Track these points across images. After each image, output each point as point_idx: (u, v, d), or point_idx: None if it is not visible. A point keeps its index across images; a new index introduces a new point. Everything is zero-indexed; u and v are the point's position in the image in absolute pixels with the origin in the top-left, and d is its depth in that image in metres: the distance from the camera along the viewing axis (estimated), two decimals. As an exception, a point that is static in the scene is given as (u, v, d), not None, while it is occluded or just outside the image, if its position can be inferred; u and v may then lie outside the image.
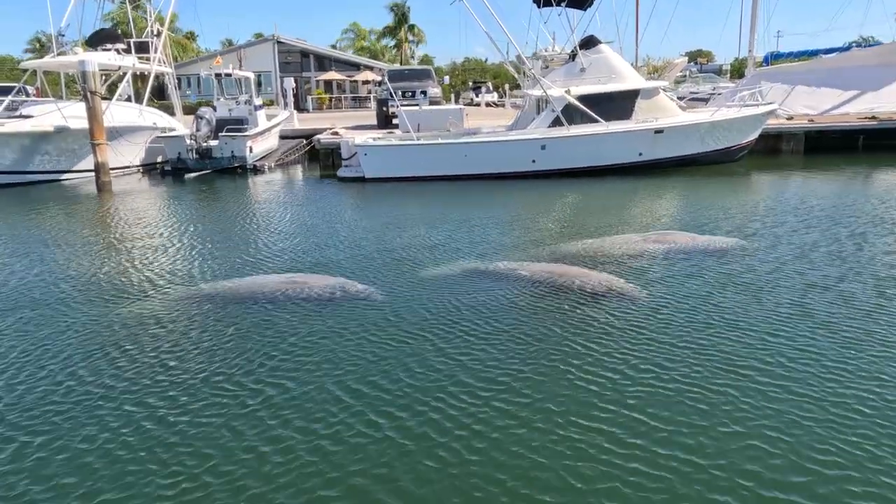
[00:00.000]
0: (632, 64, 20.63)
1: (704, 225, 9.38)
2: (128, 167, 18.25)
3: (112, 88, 19.35)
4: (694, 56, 57.53)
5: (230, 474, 3.46)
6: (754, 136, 16.16)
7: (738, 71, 41.37)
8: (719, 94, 21.81)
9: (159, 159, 19.14)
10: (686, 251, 7.71)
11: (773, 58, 28.15)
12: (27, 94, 22.59)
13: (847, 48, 25.97)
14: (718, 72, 44.56)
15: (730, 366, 4.58)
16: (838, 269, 6.89)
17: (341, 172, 15.83)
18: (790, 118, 19.43)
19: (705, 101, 20.37)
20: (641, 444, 3.61)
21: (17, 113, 17.36)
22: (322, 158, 18.35)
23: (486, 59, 64.21)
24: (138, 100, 19.99)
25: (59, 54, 18.48)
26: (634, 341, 5.06)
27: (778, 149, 18.39)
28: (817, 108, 20.69)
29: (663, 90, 16.67)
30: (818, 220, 9.49)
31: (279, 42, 40.57)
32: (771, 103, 16.79)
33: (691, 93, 25.13)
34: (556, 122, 14.89)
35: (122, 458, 3.63)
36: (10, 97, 18.76)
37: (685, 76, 37.82)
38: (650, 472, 3.37)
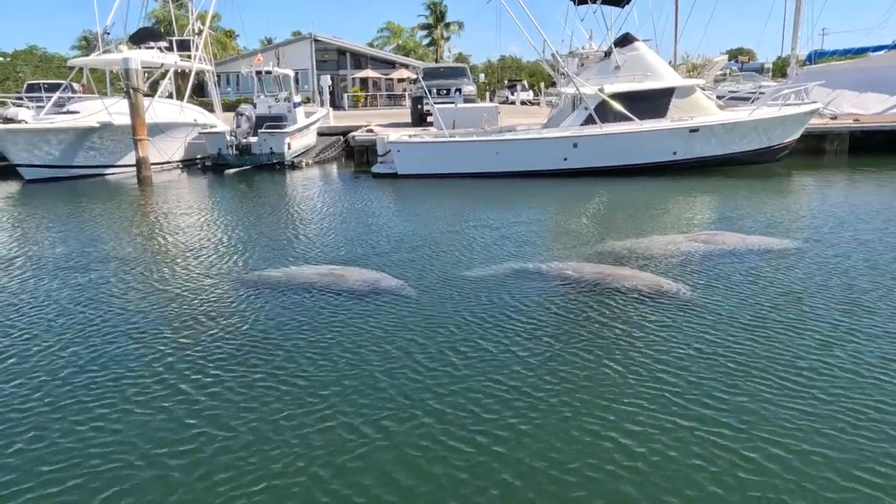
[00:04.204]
0: (670, 62, 20.30)
1: (746, 226, 9.17)
2: (168, 162, 18.71)
3: (154, 85, 19.83)
4: (735, 54, 56.28)
5: (256, 460, 3.56)
6: (796, 135, 15.73)
7: (780, 70, 40.37)
8: (762, 93, 21.31)
9: (199, 155, 19.56)
10: (736, 252, 7.51)
11: (817, 56, 27.35)
12: (73, 91, 23.33)
13: (896, 46, 25.06)
14: (760, 70, 43.55)
15: (785, 370, 4.46)
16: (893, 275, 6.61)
17: (375, 169, 15.99)
18: (834, 118, 18.88)
19: (746, 100, 19.87)
20: (691, 448, 3.56)
21: (64, 109, 17.94)
22: (357, 155, 18.56)
23: (522, 57, 64.02)
24: (179, 97, 20.43)
25: (104, 52, 19.02)
26: (686, 343, 4.96)
27: (822, 149, 17.86)
28: (865, 109, 19.98)
29: (700, 88, 16.37)
30: (867, 222, 9.18)
31: (316, 40, 41.03)
32: (814, 102, 16.34)
33: (730, 92, 24.55)
34: (589, 120, 14.75)
35: (161, 433, 3.78)
36: (57, 94, 19.44)
37: (725, 75, 37.02)
38: (696, 478, 3.33)
